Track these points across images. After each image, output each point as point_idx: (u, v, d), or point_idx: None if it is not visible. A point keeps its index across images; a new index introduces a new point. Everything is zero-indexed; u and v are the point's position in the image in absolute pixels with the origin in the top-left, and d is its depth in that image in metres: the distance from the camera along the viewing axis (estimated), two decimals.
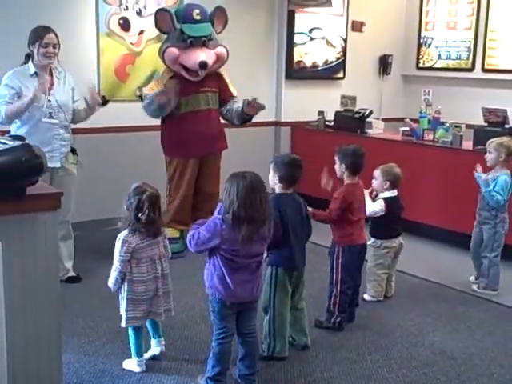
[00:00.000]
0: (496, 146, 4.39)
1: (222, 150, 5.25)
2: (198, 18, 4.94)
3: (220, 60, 5.05)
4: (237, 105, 5.10)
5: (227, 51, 5.08)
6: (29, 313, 2.57)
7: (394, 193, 4.30)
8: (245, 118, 5.09)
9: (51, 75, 4.23)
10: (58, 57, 4.25)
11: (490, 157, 4.44)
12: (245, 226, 2.83)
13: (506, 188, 4.33)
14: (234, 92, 5.20)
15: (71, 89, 4.36)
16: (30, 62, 4.18)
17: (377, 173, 4.30)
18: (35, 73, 4.15)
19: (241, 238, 2.84)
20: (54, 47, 4.15)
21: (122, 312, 3.19)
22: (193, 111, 4.99)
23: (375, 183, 4.31)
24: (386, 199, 4.23)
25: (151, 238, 3.17)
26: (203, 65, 4.86)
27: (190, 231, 3.01)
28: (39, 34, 4.12)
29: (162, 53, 4.99)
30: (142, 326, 3.28)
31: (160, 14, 4.99)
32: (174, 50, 4.89)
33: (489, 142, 4.49)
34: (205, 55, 4.89)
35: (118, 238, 3.15)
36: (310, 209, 3.59)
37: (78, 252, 4.62)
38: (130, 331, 3.26)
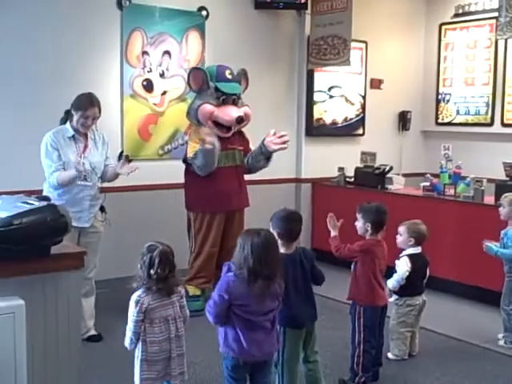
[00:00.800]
0: (509, 201, 4.46)
1: (246, 207, 5.30)
2: (230, 77, 5.13)
3: (247, 118, 5.19)
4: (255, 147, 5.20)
5: (251, 111, 5.22)
6: (50, 372, 2.58)
7: (418, 249, 4.27)
8: (264, 153, 5.13)
9: (86, 137, 4.34)
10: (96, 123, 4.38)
11: (503, 211, 4.49)
12: (259, 281, 2.84)
13: None
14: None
15: (105, 150, 4.48)
16: (69, 123, 4.29)
17: (402, 229, 4.27)
18: (73, 136, 4.27)
19: (255, 293, 2.84)
20: (94, 119, 4.28)
21: (136, 372, 3.15)
22: (221, 167, 5.06)
23: (400, 239, 4.28)
24: (410, 256, 4.21)
25: (165, 297, 3.11)
26: (240, 120, 5.04)
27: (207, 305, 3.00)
28: (84, 106, 4.22)
29: (195, 109, 5.07)
30: None
31: (195, 72, 5.18)
32: (209, 106, 5.02)
33: (503, 196, 4.55)
34: (237, 111, 5.05)
35: (131, 298, 3.15)
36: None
37: (100, 310, 4.61)
38: None
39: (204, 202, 5.09)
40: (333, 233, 3.78)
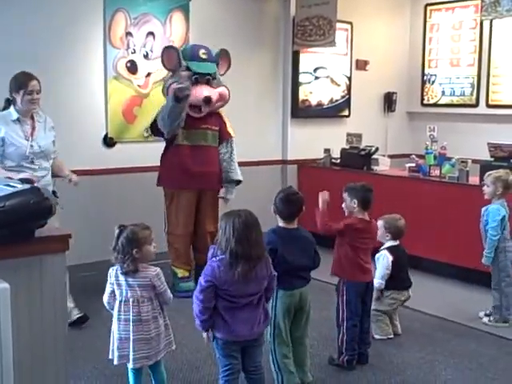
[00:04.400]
0: (493, 179, 4.46)
1: (215, 190, 5.26)
2: (204, 56, 5.08)
3: (222, 99, 5.14)
4: (228, 167, 5.21)
5: (229, 92, 5.17)
6: (36, 355, 2.56)
7: (397, 242, 4.34)
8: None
9: (33, 120, 4.23)
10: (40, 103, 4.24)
11: (487, 190, 4.51)
12: (241, 263, 2.85)
13: (499, 216, 4.37)
14: (232, 133, 5.26)
15: (53, 134, 4.34)
16: (12, 108, 4.17)
17: (380, 223, 4.28)
18: (18, 119, 4.15)
19: (237, 276, 2.85)
20: (38, 93, 4.15)
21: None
22: (190, 145, 5.07)
23: (379, 234, 4.28)
24: (390, 249, 4.26)
25: (129, 277, 3.10)
26: (207, 100, 4.97)
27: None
28: (23, 82, 4.10)
29: (166, 89, 5.07)
30: (140, 369, 3.20)
31: (167, 51, 5.13)
32: (175, 86, 4.94)
33: (486, 175, 4.57)
34: (208, 91, 4.99)
35: None
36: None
37: (85, 292, 4.63)
38: (130, 373, 3.23)
39: (171, 179, 5.12)
40: (321, 207, 3.77)
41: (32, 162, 4.15)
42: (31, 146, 4.12)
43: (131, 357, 3.10)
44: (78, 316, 4.41)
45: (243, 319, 2.95)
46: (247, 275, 2.87)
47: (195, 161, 5.05)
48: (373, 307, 4.15)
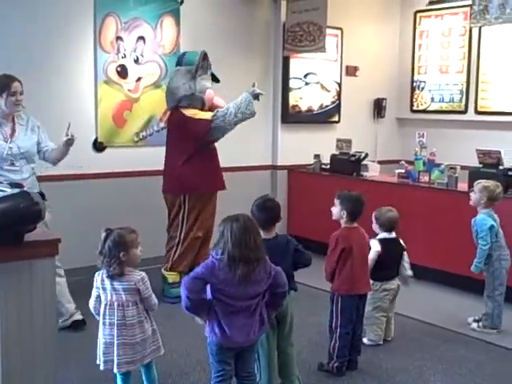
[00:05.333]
0: (481, 187, 4.48)
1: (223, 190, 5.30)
2: None
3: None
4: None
5: None
6: (25, 359, 2.55)
7: (392, 235, 4.32)
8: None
9: (13, 122, 4.21)
10: (23, 104, 4.22)
11: (473, 196, 4.53)
12: (240, 266, 2.84)
13: (485, 225, 4.38)
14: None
15: (35, 131, 4.31)
16: None
17: (373, 216, 4.33)
18: None
19: (237, 278, 2.84)
20: (21, 94, 4.14)
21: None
22: (212, 149, 5.16)
23: (373, 226, 4.34)
24: (380, 240, 4.25)
25: (114, 281, 3.10)
26: None
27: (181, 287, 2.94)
28: (6, 83, 4.09)
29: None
30: (128, 373, 3.20)
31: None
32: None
33: (476, 182, 4.59)
34: None
35: None
36: None
37: (81, 296, 4.59)
38: (118, 378, 3.22)
39: (203, 182, 5.08)
40: None
41: (12, 164, 4.14)
42: (10, 147, 4.10)
43: (115, 361, 3.10)
44: (76, 319, 4.41)
45: (240, 325, 2.94)
46: (247, 277, 2.86)
47: (212, 163, 5.15)
48: (369, 308, 4.15)
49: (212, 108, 5.08)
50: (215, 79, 5.19)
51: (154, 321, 3.23)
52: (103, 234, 3.12)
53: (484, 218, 4.43)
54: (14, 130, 4.19)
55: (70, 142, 4.27)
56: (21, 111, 4.23)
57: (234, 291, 2.90)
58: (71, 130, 4.24)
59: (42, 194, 4.22)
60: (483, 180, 4.58)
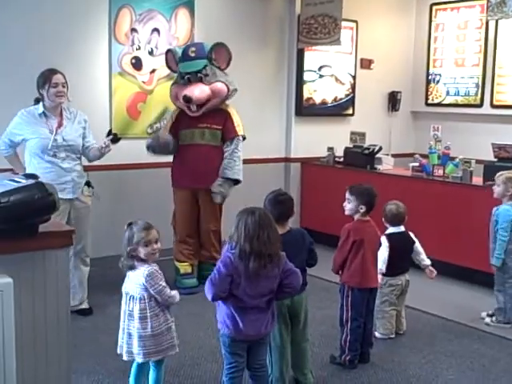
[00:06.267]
0: (504, 179, 4.44)
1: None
2: (193, 55, 5.05)
3: (217, 95, 5.02)
4: (227, 164, 5.05)
5: (227, 87, 5.06)
6: (39, 350, 2.57)
7: (400, 228, 4.30)
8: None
9: (61, 116, 4.33)
10: (69, 97, 4.34)
11: (497, 189, 4.49)
12: (252, 260, 2.83)
13: (509, 217, 4.35)
14: (240, 131, 5.12)
15: (81, 123, 4.43)
16: (41, 104, 4.30)
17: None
18: (43, 113, 4.28)
19: (250, 272, 2.84)
20: (64, 86, 4.27)
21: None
22: (187, 144, 5.09)
23: (383, 220, 4.33)
24: (388, 235, 4.24)
25: (131, 272, 3.14)
26: (187, 99, 4.95)
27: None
28: (47, 76, 4.24)
29: (170, 91, 5.23)
30: (143, 364, 3.18)
31: (167, 54, 5.30)
32: (173, 88, 5.14)
33: (498, 174, 4.54)
34: (191, 90, 4.94)
35: None
36: None
37: (93, 286, 4.66)
38: (134, 365, 3.24)
39: (172, 177, 5.21)
40: None
41: (55, 156, 4.26)
42: (55, 139, 4.22)
43: (124, 348, 3.13)
44: (84, 307, 4.50)
45: (253, 320, 2.95)
46: (258, 272, 2.85)
47: (190, 160, 5.06)
48: (378, 301, 4.13)
49: (216, 95, 5.04)
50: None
51: (170, 318, 3.16)
52: (125, 228, 3.15)
53: (508, 209, 4.38)
54: (61, 124, 4.31)
55: (103, 151, 4.40)
56: (68, 105, 4.36)
57: (247, 285, 2.89)
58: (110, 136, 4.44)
59: (88, 182, 4.39)
60: (505, 171, 4.52)
